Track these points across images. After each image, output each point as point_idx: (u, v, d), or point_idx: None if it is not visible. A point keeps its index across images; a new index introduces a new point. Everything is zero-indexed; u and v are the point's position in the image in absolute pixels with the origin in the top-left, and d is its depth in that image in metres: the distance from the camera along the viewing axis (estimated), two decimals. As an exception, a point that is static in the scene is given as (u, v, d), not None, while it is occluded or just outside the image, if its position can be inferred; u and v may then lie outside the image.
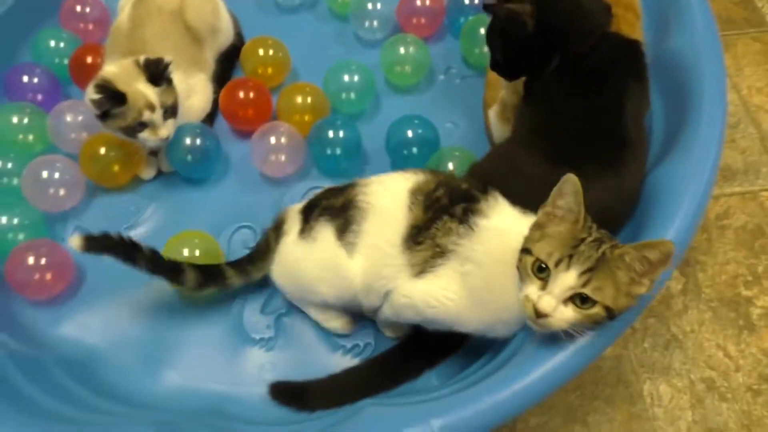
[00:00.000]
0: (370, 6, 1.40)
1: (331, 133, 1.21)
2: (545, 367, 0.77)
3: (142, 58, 1.12)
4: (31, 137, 1.26)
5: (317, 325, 1.08)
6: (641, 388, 1.09)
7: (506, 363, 0.82)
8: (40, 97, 1.32)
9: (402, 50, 1.33)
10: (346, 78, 1.29)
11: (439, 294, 0.89)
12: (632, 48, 1.03)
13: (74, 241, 0.96)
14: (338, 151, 1.21)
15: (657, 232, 0.87)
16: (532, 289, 0.75)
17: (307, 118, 1.26)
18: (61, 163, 1.19)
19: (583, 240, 0.74)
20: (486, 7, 1.04)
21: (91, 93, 1.08)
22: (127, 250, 0.98)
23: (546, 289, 0.74)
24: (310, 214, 1.01)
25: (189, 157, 1.21)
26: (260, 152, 1.21)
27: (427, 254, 0.90)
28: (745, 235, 1.25)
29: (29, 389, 0.86)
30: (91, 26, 1.43)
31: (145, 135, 1.12)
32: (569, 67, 1.02)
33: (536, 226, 0.79)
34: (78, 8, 1.42)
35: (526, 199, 0.88)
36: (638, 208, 0.96)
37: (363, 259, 0.95)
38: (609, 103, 0.98)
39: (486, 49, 1.15)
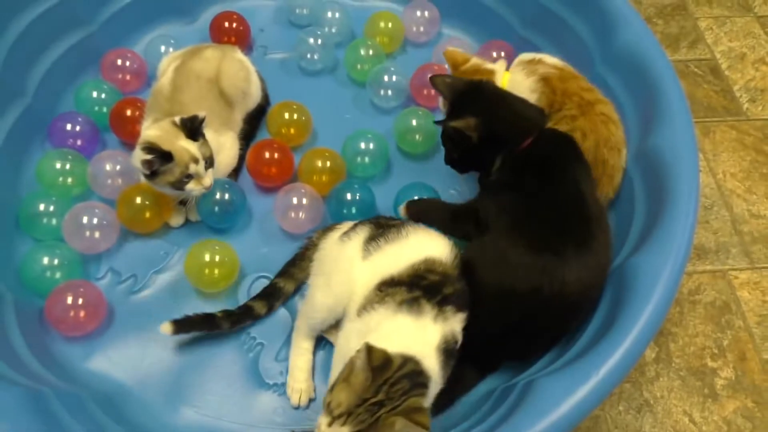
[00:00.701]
0: (386, 78, 1.54)
1: (348, 196, 1.34)
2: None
3: (177, 118, 1.23)
4: (70, 180, 1.37)
5: (325, 373, 1.19)
6: (614, 448, 1.21)
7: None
8: (79, 142, 1.44)
9: (414, 122, 1.47)
10: (362, 145, 1.42)
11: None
12: (567, 139, 1.19)
13: (165, 328, 1.14)
14: (353, 210, 1.34)
15: (636, 309, 1.00)
16: (323, 420, 0.87)
17: (325, 178, 1.39)
18: (99, 209, 1.29)
19: (365, 401, 0.84)
20: (436, 123, 1.22)
21: (139, 155, 1.19)
22: (207, 323, 1.19)
23: (330, 427, 0.86)
24: (361, 221, 1.18)
25: (216, 209, 1.32)
26: (282, 209, 1.34)
27: (374, 299, 1.03)
28: (714, 311, 1.38)
29: (72, 424, 0.95)
30: (128, 77, 1.56)
31: (191, 186, 1.23)
32: (516, 160, 1.17)
33: (346, 367, 0.89)
34: (119, 61, 1.55)
35: (513, 285, 1.02)
36: (619, 290, 1.08)
37: (365, 270, 1.09)
38: (569, 188, 1.12)
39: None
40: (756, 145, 1.65)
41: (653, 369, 1.30)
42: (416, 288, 1.02)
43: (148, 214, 1.32)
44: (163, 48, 1.58)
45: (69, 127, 1.43)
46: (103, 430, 1.01)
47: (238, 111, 1.44)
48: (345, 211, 1.34)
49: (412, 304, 1.00)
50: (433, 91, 1.55)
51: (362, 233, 1.14)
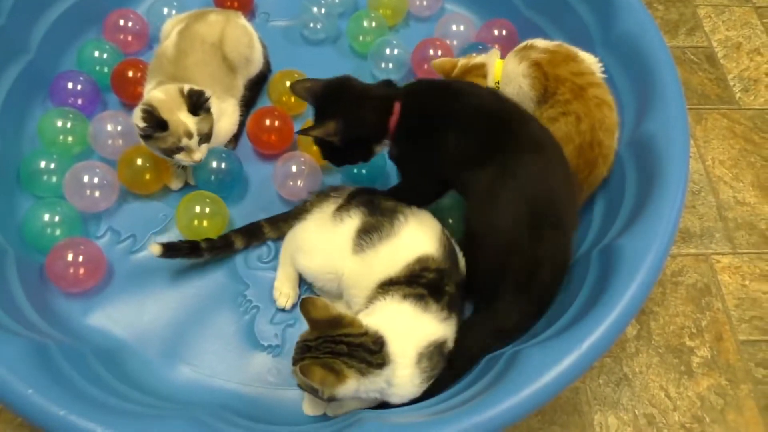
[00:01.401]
0: (388, 51, 1.55)
1: None
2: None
3: (186, 88, 1.24)
4: (70, 139, 1.38)
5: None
6: (592, 418, 1.26)
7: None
8: (80, 101, 1.44)
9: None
10: None
11: None
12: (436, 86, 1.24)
13: (154, 248, 1.21)
14: (364, 171, 1.39)
15: (620, 288, 1.04)
16: None
17: None
18: (100, 169, 1.31)
19: (304, 341, 1.00)
20: (298, 133, 1.21)
21: (137, 117, 1.21)
22: (191, 249, 1.25)
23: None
24: (356, 198, 1.21)
25: (212, 178, 1.35)
26: (281, 177, 1.36)
27: (377, 297, 1.09)
28: (695, 293, 1.43)
29: (75, 376, 0.99)
30: (130, 38, 1.56)
31: (180, 157, 1.26)
32: (401, 136, 1.16)
33: None
34: (121, 22, 1.55)
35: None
36: (605, 269, 1.12)
37: (356, 264, 1.14)
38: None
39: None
40: (745, 134, 1.69)
41: (634, 345, 1.35)
42: (417, 285, 1.08)
43: (148, 176, 1.34)
44: (165, 10, 1.57)
45: (70, 85, 1.44)
46: (104, 384, 1.03)
47: (240, 77, 1.45)
48: (356, 171, 1.39)
49: (418, 299, 1.07)
50: (434, 66, 1.57)
51: (356, 219, 1.17)
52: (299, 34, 1.65)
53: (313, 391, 0.99)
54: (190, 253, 1.25)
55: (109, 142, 1.37)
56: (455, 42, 1.61)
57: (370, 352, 0.98)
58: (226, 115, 1.40)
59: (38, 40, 1.45)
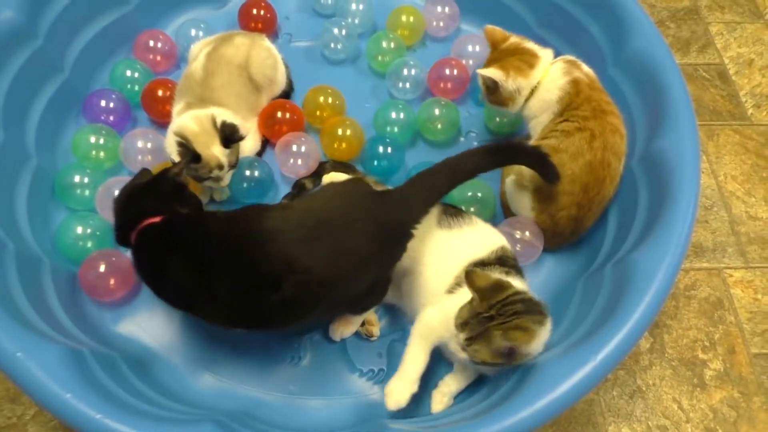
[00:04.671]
0: (405, 71, 1.60)
1: (381, 149, 1.46)
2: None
3: (219, 119, 1.29)
4: (102, 154, 1.44)
5: (340, 350, 1.27)
6: (606, 430, 1.29)
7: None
8: (112, 118, 1.51)
9: (436, 111, 1.54)
10: (393, 114, 1.52)
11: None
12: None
13: None
14: (384, 163, 1.46)
15: (634, 301, 1.07)
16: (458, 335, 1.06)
17: (344, 145, 1.49)
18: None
19: (478, 314, 1.02)
20: None
21: (172, 148, 1.27)
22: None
23: (458, 336, 1.05)
24: None
25: (245, 185, 1.41)
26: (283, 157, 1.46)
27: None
28: (707, 306, 1.45)
29: (108, 382, 1.03)
30: (159, 58, 1.62)
31: (209, 183, 1.33)
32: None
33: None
34: (150, 42, 1.62)
35: None
36: (619, 283, 1.15)
37: (442, 238, 1.22)
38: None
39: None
40: (757, 149, 1.72)
41: (647, 358, 1.38)
42: (506, 266, 1.16)
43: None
44: (193, 32, 1.64)
45: (103, 103, 1.50)
46: (134, 389, 1.08)
47: (265, 96, 1.50)
48: (375, 162, 1.46)
49: (515, 273, 1.17)
50: (449, 84, 1.62)
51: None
52: (320, 54, 1.71)
53: (500, 363, 1.04)
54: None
55: (139, 158, 1.42)
56: (471, 62, 1.65)
57: (535, 304, 1.06)
58: (250, 133, 1.45)
59: (73, 60, 1.51)
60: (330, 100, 1.54)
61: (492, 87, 1.35)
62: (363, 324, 1.28)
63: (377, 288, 1.18)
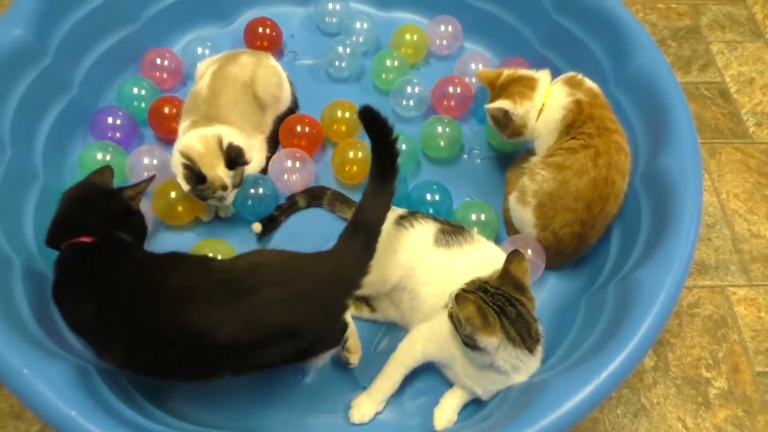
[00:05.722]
0: (409, 89, 1.62)
1: None
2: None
3: (225, 142, 1.30)
4: (108, 171, 1.45)
5: (344, 367, 1.26)
6: (610, 448, 1.29)
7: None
8: (118, 135, 1.52)
9: (439, 129, 1.56)
10: None
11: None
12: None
13: (256, 227, 1.40)
14: None
15: (637, 320, 1.07)
16: None
17: (355, 168, 1.49)
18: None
19: (484, 284, 1.11)
20: None
21: (178, 169, 1.29)
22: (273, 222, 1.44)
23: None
24: (421, 216, 1.31)
25: (249, 202, 1.42)
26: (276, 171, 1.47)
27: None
28: (711, 324, 1.45)
29: (114, 401, 1.04)
30: (165, 75, 1.65)
31: (212, 201, 1.34)
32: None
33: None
34: (158, 60, 1.64)
35: None
36: (622, 301, 1.15)
37: (438, 258, 1.22)
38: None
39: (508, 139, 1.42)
40: (759, 167, 1.73)
41: (651, 376, 1.38)
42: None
43: (180, 208, 1.40)
44: (200, 50, 1.66)
45: (110, 120, 1.51)
46: (139, 407, 1.08)
47: (270, 114, 1.52)
48: None
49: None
50: (452, 102, 1.63)
51: (431, 223, 1.27)
52: (325, 71, 1.73)
53: (457, 324, 1.07)
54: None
55: (145, 174, 1.43)
56: (474, 80, 1.67)
57: (529, 335, 1.08)
58: (254, 151, 1.46)
59: (81, 78, 1.53)
60: (348, 114, 1.56)
61: (504, 120, 1.37)
62: (344, 347, 1.23)
63: (323, 340, 1.15)
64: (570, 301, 1.36)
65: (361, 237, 1.12)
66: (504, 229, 1.47)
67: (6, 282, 1.14)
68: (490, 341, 1.04)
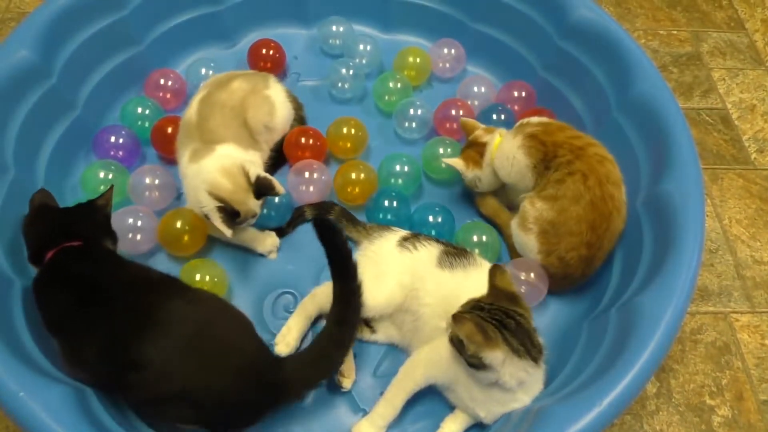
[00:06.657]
0: (411, 111, 1.63)
1: (386, 203, 1.46)
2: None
3: (254, 175, 1.30)
4: (111, 190, 1.45)
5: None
6: (613, 477, 1.27)
7: None
8: (121, 153, 1.53)
9: (441, 150, 1.56)
10: (397, 167, 1.53)
11: None
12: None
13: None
14: (389, 217, 1.45)
15: (639, 346, 1.06)
16: None
17: (358, 189, 1.49)
18: (143, 212, 1.39)
19: (477, 302, 1.09)
20: None
21: (207, 201, 1.28)
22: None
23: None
24: (425, 238, 1.31)
25: (264, 211, 1.40)
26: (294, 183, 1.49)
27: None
28: (714, 351, 1.44)
29: (111, 424, 1.02)
30: (169, 95, 1.66)
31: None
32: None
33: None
34: (161, 80, 1.65)
35: None
36: (624, 327, 1.14)
37: (442, 279, 1.22)
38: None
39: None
40: (761, 193, 1.72)
41: (654, 403, 1.36)
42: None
43: (186, 238, 1.38)
44: (203, 70, 1.67)
45: (113, 139, 1.52)
46: (136, 430, 1.07)
47: (262, 141, 1.50)
48: (381, 216, 1.45)
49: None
50: (455, 124, 1.64)
51: (434, 246, 1.28)
52: (328, 93, 1.74)
53: (460, 347, 1.05)
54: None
55: (147, 194, 1.44)
56: (476, 102, 1.68)
57: (532, 344, 1.06)
58: (252, 165, 1.45)
59: (85, 98, 1.54)
60: (353, 131, 1.57)
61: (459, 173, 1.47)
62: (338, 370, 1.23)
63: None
64: (572, 326, 1.35)
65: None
66: (506, 252, 1.47)
67: (5, 304, 1.14)
68: (495, 355, 1.02)
